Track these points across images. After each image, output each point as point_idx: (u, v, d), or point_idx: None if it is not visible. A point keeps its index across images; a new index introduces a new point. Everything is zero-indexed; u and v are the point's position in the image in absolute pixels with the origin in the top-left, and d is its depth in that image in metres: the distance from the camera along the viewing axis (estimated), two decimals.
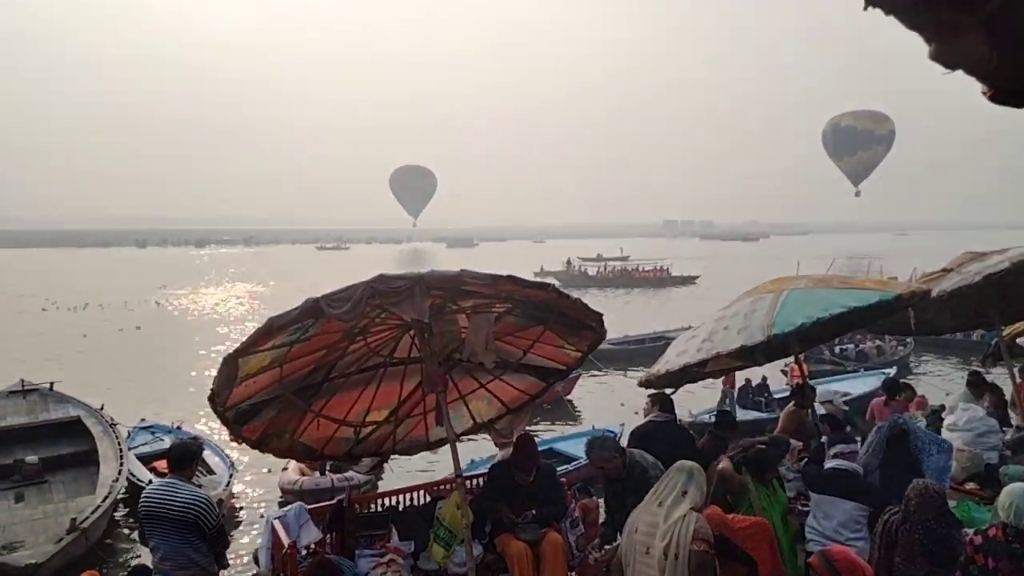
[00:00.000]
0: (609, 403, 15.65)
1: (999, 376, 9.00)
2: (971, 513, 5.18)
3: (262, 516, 9.07)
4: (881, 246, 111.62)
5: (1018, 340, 8.99)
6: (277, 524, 4.96)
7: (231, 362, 4.07)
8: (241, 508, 9.88)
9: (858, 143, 60.23)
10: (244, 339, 4.09)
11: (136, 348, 24.17)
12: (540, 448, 10.94)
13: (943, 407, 8.15)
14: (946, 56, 1.18)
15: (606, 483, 4.99)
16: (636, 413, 12.75)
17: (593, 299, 40.29)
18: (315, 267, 71.95)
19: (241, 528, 9.17)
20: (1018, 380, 7.49)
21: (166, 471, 9.50)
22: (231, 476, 9.73)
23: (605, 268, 52.50)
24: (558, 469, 8.56)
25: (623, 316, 30.79)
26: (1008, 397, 7.92)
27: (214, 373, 4.17)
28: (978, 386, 7.73)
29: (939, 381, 17.00)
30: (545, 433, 12.78)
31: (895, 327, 9.05)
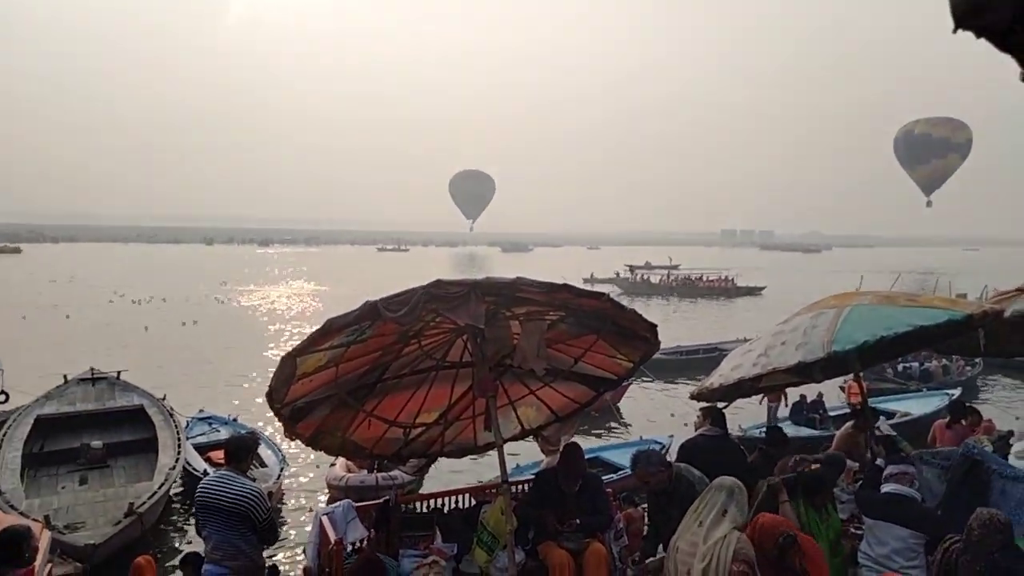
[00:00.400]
0: (658, 414, 15.45)
1: None
2: None
3: (310, 510, 9.27)
4: (950, 261, 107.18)
5: None
6: (325, 520, 5.05)
7: (289, 361, 4.18)
8: (290, 501, 10.11)
9: (932, 151, 57.89)
10: (303, 339, 4.20)
11: (196, 342, 24.98)
12: (586, 457, 10.91)
13: (1011, 433, 7.79)
14: None
15: (651, 496, 4.94)
16: (685, 425, 12.57)
17: (656, 307, 40.05)
18: (375, 268, 73.23)
19: (289, 521, 9.37)
20: None
21: (221, 461, 9.79)
22: (282, 470, 9.98)
23: (668, 277, 51.87)
24: (604, 478, 8.50)
25: (685, 326, 30.48)
26: None
27: (270, 369, 4.29)
28: None
29: (1007, 405, 16.22)
30: (592, 441, 12.70)
31: (963, 348, 8.68)
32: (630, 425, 14.54)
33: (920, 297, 6.44)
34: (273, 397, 4.43)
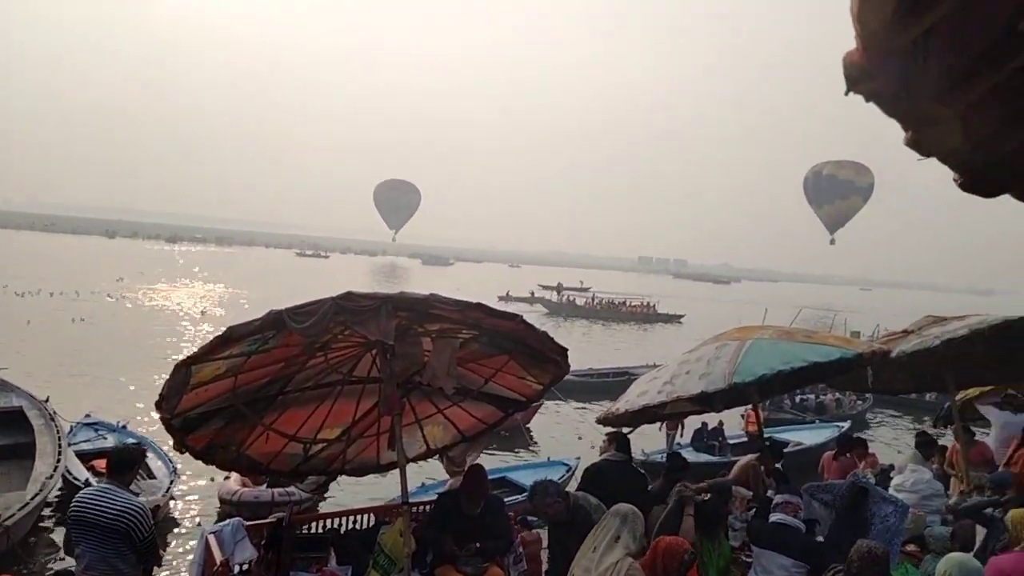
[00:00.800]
0: (567, 435, 15.59)
1: (948, 438, 9.16)
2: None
3: (199, 525, 8.79)
4: (847, 299, 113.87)
5: (976, 404, 9.16)
6: (212, 539, 4.78)
7: (183, 369, 3.95)
8: (179, 516, 9.56)
9: (837, 192, 61.37)
10: (200, 345, 3.99)
11: (86, 341, 23.39)
12: (493, 477, 10.85)
13: (892, 466, 8.26)
14: (922, 145, 1.19)
15: (550, 527, 4.93)
16: (593, 447, 12.70)
17: (579, 330, 40.47)
18: (292, 273, 71.02)
19: (177, 538, 8.85)
20: (962, 446, 7.62)
21: (104, 470, 9.12)
22: (172, 482, 9.42)
23: (593, 300, 52.69)
24: (510, 499, 8.47)
25: (607, 349, 30.96)
26: (947, 458, 8.08)
27: (164, 375, 4.04)
28: (927, 447, 7.85)
29: (893, 439, 17.28)
30: (500, 462, 12.66)
31: (853, 384, 9.20)
32: (538, 446, 14.59)
33: (816, 334, 6.76)
34: (163, 406, 4.17)
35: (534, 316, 41.15)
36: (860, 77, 1.09)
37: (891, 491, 6.74)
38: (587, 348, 30.71)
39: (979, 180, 1.42)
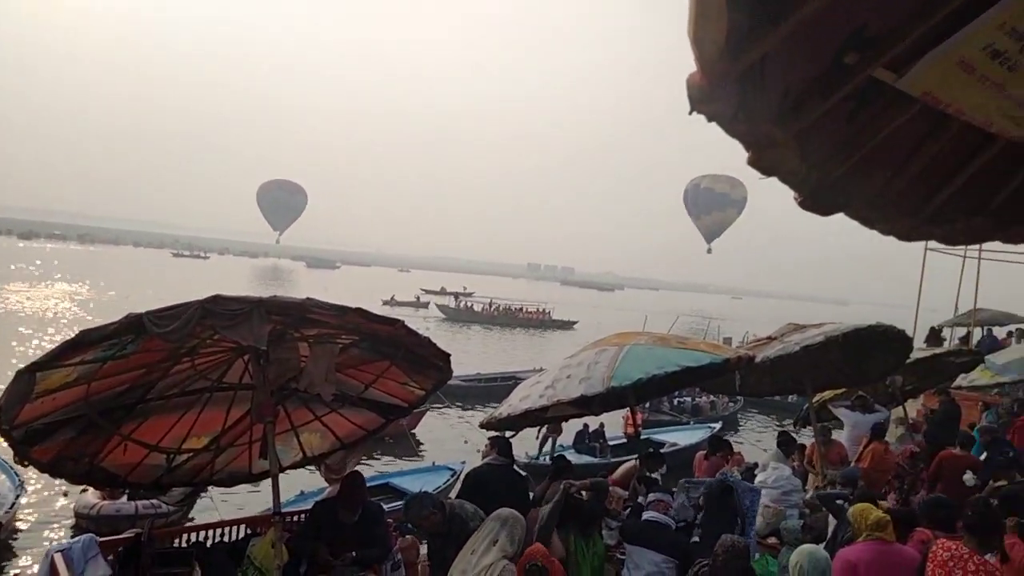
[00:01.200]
0: (453, 440, 15.58)
1: (806, 438, 9.85)
2: (768, 567, 5.56)
3: (48, 543, 8.09)
4: (720, 307, 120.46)
5: (829, 405, 9.90)
6: (58, 558, 4.40)
7: (26, 376, 3.61)
8: (27, 534, 8.75)
9: (714, 204, 64.97)
10: (47, 351, 3.66)
11: None
12: (376, 483, 10.64)
13: (756, 464, 8.79)
14: (762, 164, 1.27)
15: (429, 538, 4.89)
16: (479, 451, 12.73)
17: (477, 335, 40.34)
18: (168, 274, 66.64)
19: (23, 557, 8.09)
20: (820, 445, 8.21)
21: None
22: (17, 496, 8.61)
23: (491, 306, 53.02)
24: (393, 506, 8.34)
25: (503, 355, 31.14)
26: (806, 456, 8.70)
27: (2, 383, 3.68)
28: (787, 445, 8.40)
29: (760, 438, 18.43)
30: (384, 467, 12.45)
31: (724, 387, 9.73)
32: (424, 451, 14.48)
33: (688, 340, 7.10)
34: (1, 417, 3.79)
35: (431, 321, 40.88)
36: (701, 98, 1.16)
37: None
38: (485, 353, 30.93)
39: (816, 200, 1.54)
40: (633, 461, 7.58)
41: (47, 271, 59.80)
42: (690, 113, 1.20)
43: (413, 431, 14.93)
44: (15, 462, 4.31)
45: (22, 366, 3.67)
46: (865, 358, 8.22)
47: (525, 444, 13.03)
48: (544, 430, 12.68)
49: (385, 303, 49.78)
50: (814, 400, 8.98)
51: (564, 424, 12.55)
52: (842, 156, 1.54)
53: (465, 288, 60.83)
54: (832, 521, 6.06)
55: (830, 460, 7.99)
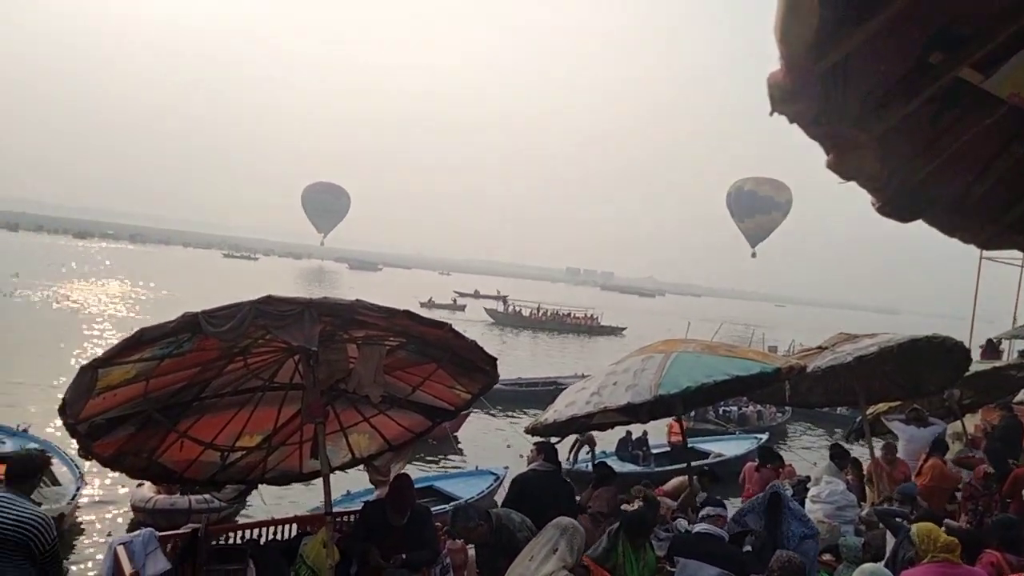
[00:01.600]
0: (495, 444, 15.58)
1: (858, 451, 9.58)
2: None
3: (109, 535, 8.34)
4: (763, 315, 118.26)
5: (882, 418, 9.61)
6: (121, 551, 4.52)
7: (89, 372, 3.72)
8: (87, 525, 9.03)
9: (758, 207, 63.80)
10: (108, 347, 3.77)
11: None
12: (421, 486, 10.71)
13: (808, 478, 8.57)
14: (842, 168, 1.23)
15: (477, 548, 4.89)
16: (521, 456, 12.72)
17: (525, 340, 40.51)
18: (219, 275, 68.31)
19: (85, 548, 8.36)
20: (876, 455, 7.96)
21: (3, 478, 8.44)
22: (79, 488, 8.90)
23: (539, 311, 53.10)
24: (437, 508, 8.37)
25: (551, 360, 31.20)
26: (866, 472, 8.43)
27: (66, 377, 3.80)
28: (841, 459, 8.16)
29: (808, 450, 18.00)
30: (427, 470, 12.52)
31: (772, 397, 9.52)
32: (466, 454, 14.52)
33: (737, 348, 6.98)
34: (67, 411, 3.91)
35: (478, 326, 41.10)
36: (784, 98, 1.13)
37: (807, 501, 7.01)
38: (533, 358, 31.02)
39: (895, 206, 1.49)
40: (683, 477, 7.46)
41: (103, 269, 61.88)
42: (771, 114, 1.16)
43: (455, 434, 14.99)
44: (79, 455, 4.46)
45: (85, 362, 3.80)
46: (921, 370, 7.96)
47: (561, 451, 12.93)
48: (577, 438, 12.53)
49: (423, 305, 50.24)
50: (868, 413, 8.73)
51: (605, 432, 12.43)
52: (923, 160, 1.48)
53: (499, 292, 61.01)
54: (889, 539, 5.87)
55: (895, 479, 7.70)
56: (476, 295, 57.26)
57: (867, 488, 8.13)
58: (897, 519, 5.50)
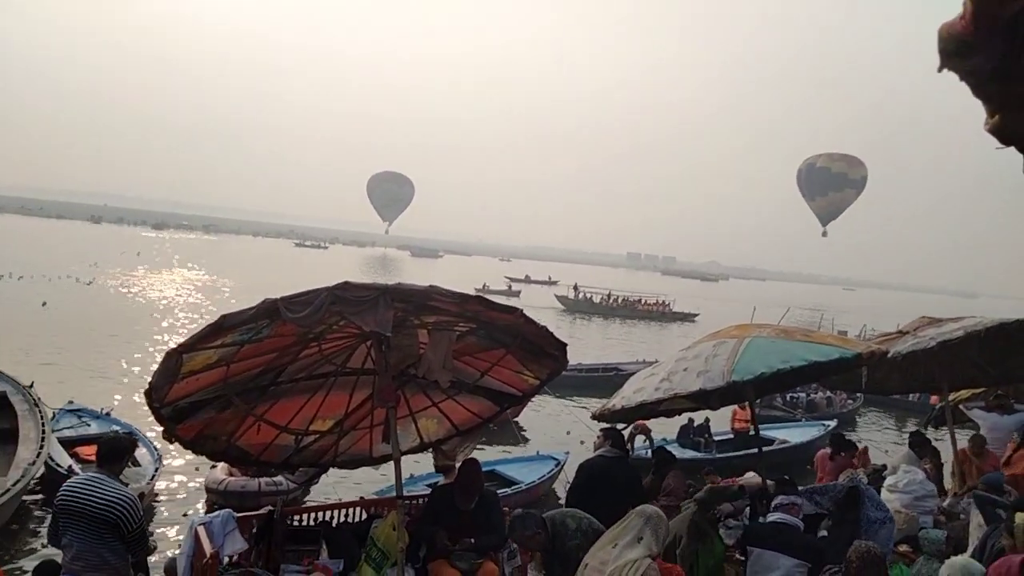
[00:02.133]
0: (555, 430, 15.54)
1: (937, 440, 9.18)
2: None
3: (186, 515, 8.67)
4: (832, 299, 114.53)
5: (960, 406, 9.18)
6: (201, 530, 4.69)
7: (174, 357, 3.85)
8: (163, 504, 9.42)
9: (830, 184, 61.13)
10: (192, 334, 3.89)
11: (51, 326, 22.70)
12: (482, 471, 10.77)
13: (884, 467, 8.24)
14: (1009, 129, 1.11)
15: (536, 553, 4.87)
16: (582, 443, 12.66)
17: (596, 327, 40.41)
18: (287, 263, 70.19)
19: (161, 526, 8.72)
20: (963, 445, 7.60)
21: (88, 457, 8.89)
22: (157, 470, 9.29)
23: (609, 297, 52.84)
24: (499, 492, 8.41)
25: (623, 346, 31.14)
26: (945, 462, 8.06)
27: (148, 362, 3.94)
28: (920, 447, 7.83)
29: (880, 439, 17.36)
30: (489, 454, 12.59)
31: (847, 383, 9.19)
32: (528, 439, 14.54)
33: (814, 333, 6.73)
34: (153, 395, 4.07)
35: (548, 312, 41.13)
36: (960, 51, 1.01)
37: (884, 491, 6.74)
38: (601, 346, 30.93)
39: None
40: (757, 477, 7.23)
41: (181, 259, 64.28)
42: (940, 70, 1.05)
43: (516, 419, 15.01)
44: (163, 438, 4.62)
45: (169, 348, 3.93)
46: (1009, 355, 7.55)
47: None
48: (631, 428, 12.29)
49: (478, 291, 50.50)
50: (951, 400, 8.35)
51: (661, 421, 12.15)
52: None
53: (550, 277, 60.72)
54: (973, 530, 5.58)
55: (983, 472, 7.33)
56: (527, 280, 57.22)
57: (951, 478, 7.78)
58: (998, 509, 5.20)
